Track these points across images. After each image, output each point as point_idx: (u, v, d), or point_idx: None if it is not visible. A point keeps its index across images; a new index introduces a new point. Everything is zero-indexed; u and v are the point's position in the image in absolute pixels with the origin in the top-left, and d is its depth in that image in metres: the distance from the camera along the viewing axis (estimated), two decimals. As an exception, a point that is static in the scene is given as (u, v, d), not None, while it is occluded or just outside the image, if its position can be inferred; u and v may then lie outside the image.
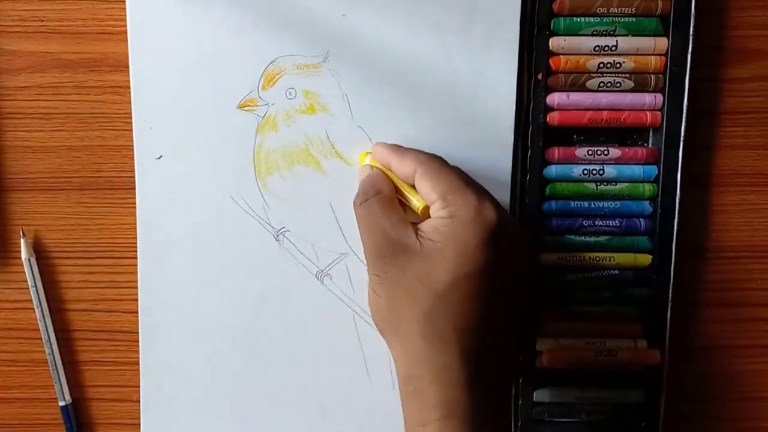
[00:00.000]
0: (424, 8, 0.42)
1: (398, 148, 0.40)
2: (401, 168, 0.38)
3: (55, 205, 0.45)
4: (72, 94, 0.44)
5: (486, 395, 0.33)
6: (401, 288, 0.34)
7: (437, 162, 0.37)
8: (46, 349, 0.45)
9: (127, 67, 0.42)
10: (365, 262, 0.37)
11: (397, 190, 0.39)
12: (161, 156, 0.43)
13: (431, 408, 0.32)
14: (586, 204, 0.43)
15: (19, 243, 0.44)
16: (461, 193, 0.35)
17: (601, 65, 0.42)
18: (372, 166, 0.40)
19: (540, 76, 0.42)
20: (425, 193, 0.37)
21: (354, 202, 0.38)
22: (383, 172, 0.40)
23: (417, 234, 0.35)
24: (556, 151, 0.43)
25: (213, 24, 0.42)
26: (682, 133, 0.42)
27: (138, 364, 0.44)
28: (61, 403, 0.46)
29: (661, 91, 0.43)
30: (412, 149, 0.39)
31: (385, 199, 0.38)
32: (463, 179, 0.36)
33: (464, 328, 0.33)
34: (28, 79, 0.44)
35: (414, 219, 0.37)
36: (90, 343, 0.46)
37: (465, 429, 0.32)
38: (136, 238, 0.43)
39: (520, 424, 0.44)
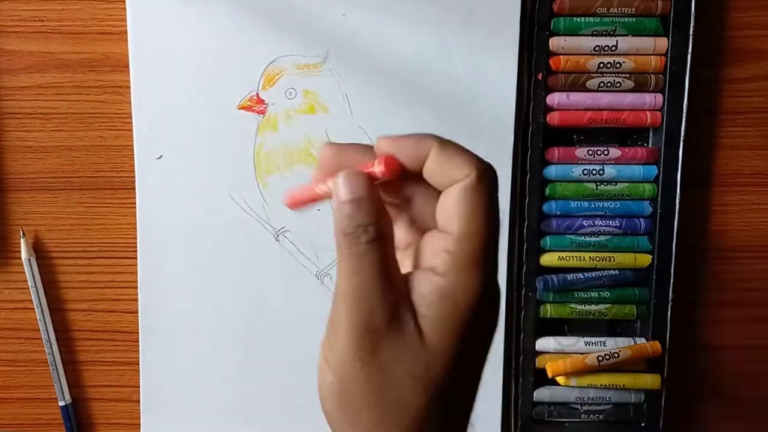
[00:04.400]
0: (424, 8, 0.42)
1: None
2: (414, 149, 0.25)
3: (55, 205, 0.45)
4: (72, 94, 0.44)
5: None
6: (388, 381, 0.25)
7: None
8: (46, 349, 0.45)
9: (127, 67, 0.42)
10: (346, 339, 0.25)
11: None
12: (161, 156, 0.43)
13: None
14: (586, 204, 0.43)
15: (19, 243, 0.44)
16: (466, 260, 0.25)
17: (601, 65, 0.42)
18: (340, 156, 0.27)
19: (540, 76, 0.42)
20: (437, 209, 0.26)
21: (341, 232, 0.25)
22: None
23: (414, 312, 0.25)
24: (556, 152, 0.43)
25: (213, 24, 0.42)
26: (682, 133, 0.42)
27: (138, 364, 0.44)
28: (61, 403, 0.46)
29: (661, 91, 0.43)
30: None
31: (388, 243, 0.25)
32: (483, 217, 0.25)
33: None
34: (28, 79, 0.44)
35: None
36: (90, 343, 0.46)
37: None
38: (136, 238, 0.43)
39: (520, 424, 0.44)
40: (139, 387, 0.44)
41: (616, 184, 0.43)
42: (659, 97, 0.43)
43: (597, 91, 0.43)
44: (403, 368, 0.25)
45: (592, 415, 0.45)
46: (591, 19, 0.42)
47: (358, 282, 0.25)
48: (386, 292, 0.25)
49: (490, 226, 0.25)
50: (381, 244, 0.25)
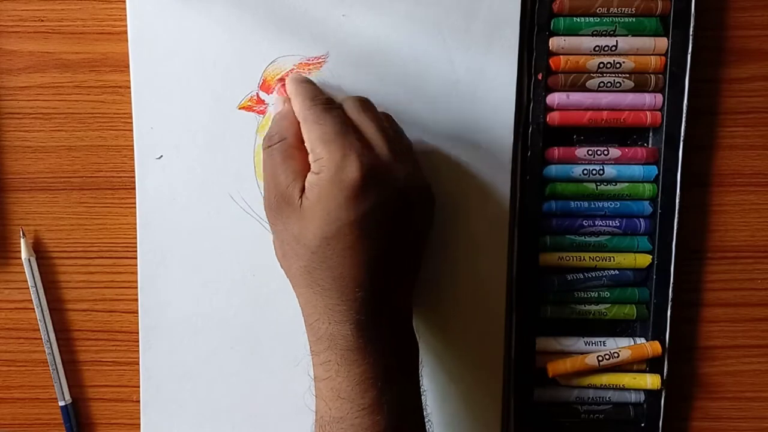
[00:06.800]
0: (424, 8, 0.42)
1: (300, 85, 0.39)
2: (295, 109, 0.38)
3: (55, 205, 0.45)
4: (72, 94, 0.44)
5: (372, 327, 0.36)
6: (286, 242, 0.37)
7: (319, 107, 0.37)
8: (46, 349, 0.45)
9: (127, 67, 0.42)
10: None
11: None
12: (161, 156, 0.43)
13: (320, 340, 0.36)
14: (586, 204, 0.44)
15: (19, 243, 0.44)
16: (328, 146, 0.35)
17: (601, 65, 0.42)
18: (285, 99, 0.40)
19: (540, 76, 0.42)
20: (305, 141, 0.37)
21: (262, 144, 0.38)
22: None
23: (302, 189, 0.36)
24: (556, 151, 0.43)
25: (213, 24, 0.42)
26: (682, 133, 0.42)
27: (138, 364, 0.44)
28: (61, 403, 0.46)
29: (661, 91, 0.43)
30: (311, 87, 0.39)
31: (287, 147, 0.37)
32: (336, 128, 0.36)
33: (342, 275, 0.35)
34: (28, 79, 0.44)
35: None
36: (90, 343, 0.46)
37: (349, 356, 0.35)
38: (136, 238, 0.43)
39: (520, 424, 0.44)
40: (139, 387, 0.44)
41: (616, 184, 0.43)
42: (659, 97, 0.43)
43: (597, 91, 0.43)
44: (290, 231, 0.36)
45: (592, 415, 0.45)
46: (591, 19, 0.42)
47: (268, 166, 0.37)
48: (284, 175, 0.36)
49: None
50: (282, 145, 0.37)
